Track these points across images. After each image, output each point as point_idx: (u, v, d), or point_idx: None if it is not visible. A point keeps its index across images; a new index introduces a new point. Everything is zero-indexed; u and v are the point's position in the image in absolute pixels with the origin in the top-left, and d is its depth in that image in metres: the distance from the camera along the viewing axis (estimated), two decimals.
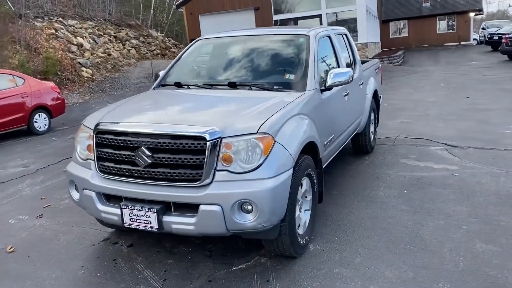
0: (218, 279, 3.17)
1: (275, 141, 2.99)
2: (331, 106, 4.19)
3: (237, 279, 3.14)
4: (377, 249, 3.49)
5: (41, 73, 15.48)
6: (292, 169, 3.06)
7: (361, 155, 6.17)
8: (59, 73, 16.89)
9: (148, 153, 2.99)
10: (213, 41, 4.78)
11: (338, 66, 4.69)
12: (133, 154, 3.04)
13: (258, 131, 2.93)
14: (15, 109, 9.14)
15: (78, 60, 19.61)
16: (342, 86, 4.56)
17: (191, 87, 4.11)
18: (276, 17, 22.30)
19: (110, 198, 3.24)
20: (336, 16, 21.72)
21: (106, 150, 3.17)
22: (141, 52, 27.15)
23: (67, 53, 19.25)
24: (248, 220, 2.87)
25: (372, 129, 6.34)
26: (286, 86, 3.85)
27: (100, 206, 3.20)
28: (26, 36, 17.31)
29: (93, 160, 3.26)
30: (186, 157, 2.92)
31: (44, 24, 21.44)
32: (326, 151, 4.11)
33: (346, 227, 3.92)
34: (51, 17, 23.11)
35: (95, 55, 21.76)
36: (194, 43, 4.82)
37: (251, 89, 3.83)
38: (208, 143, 2.86)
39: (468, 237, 3.62)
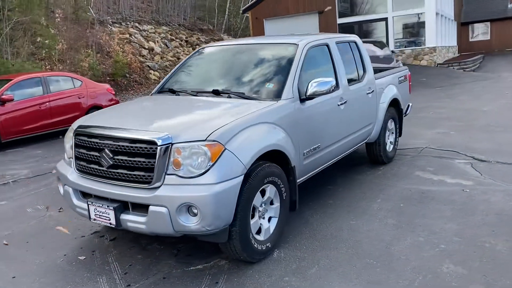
0: (172, 277, 3.35)
1: (225, 149, 3.10)
2: (316, 115, 4.20)
3: (189, 279, 3.30)
4: (339, 261, 3.47)
5: (110, 75, 16.72)
6: (242, 176, 3.15)
7: (376, 165, 6.02)
8: (128, 75, 18.11)
9: (110, 155, 3.26)
10: (209, 50, 4.98)
11: (335, 75, 4.66)
12: (99, 155, 3.32)
13: (207, 139, 3.07)
14: (72, 108, 10.02)
15: (147, 63, 20.85)
16: (337, 95, 4.56)
17: (180, 93, 4.34)
18: (341, 21, 22.02)
19: (86, 195, 3.55)
20: (403, 19, 20.96)
21: (81, 150, 3.50)
22: None
23: (137, 56, 20.55)
24: (192, 223, 3.03)
25: (391, 139, 6.17)
26: (263, 94, 3.94)
27: (75, 201, 3.53)
28: (100, 41, 18.76)
29: (72, 159, 3.60)
30: (140, 160, 3.14)
31: (120, 29, 23.04)
32: (308, 160, 4.13)
33: (321, 237, 3.91)
34: (128, 23, 24.76)
35: (164, 58, 22.96)
36: (195, 51, 5.05)
37: (230, 97, 3.97)
38: (158, 148, 3.06)
39: (440, 256, 3.46)
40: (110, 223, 3.25)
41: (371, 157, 6.00)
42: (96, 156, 3.36)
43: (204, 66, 4.77)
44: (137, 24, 25.12)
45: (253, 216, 3.42)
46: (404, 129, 8.07)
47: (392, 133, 6.24)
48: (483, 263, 3.33)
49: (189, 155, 3.05)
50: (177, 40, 26.50)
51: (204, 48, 5.06)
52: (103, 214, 3.27)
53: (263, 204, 3.53)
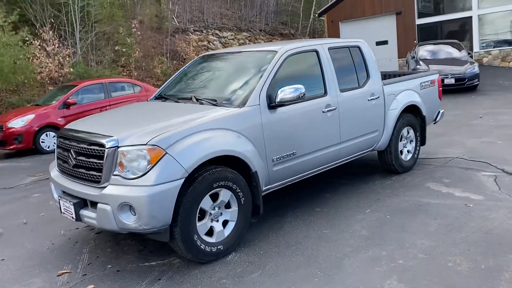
0: (125, 270, 3.61)
1: (165, 153, 3.30)
2: (291, 122, 4.20)
3: (138, 274, 3.54)
4: (284, 269, 3.47)
5: None
6: (182, 180, 3.31)
7: (389, 174, 5.77)
8: None
9: (74, 155, 3.62)
10: (203, 58, 5.18)
11: (323, 82, 4.61)
12: (67, 155, 3.70)
13: (147, 143, 3.28)
14: None
15: None
16: (323, 102, 4.52)
17: (167, 100, 4.61)
18: (420, 21, 20.95)
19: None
20: (490, 17, 19.34)
21: (59, 150, 3.92)
22: None
23: None
24: (131, 221, 3.26)
25: (409, 147, 5.88)
26: (232, 101, 4.05)
27: (55, 196, 3.95)
28: (177, 48, 19.92)
29: (55, 158, 4.04)
30: (93, 161, 3.45)
31: (200, 36, 24.21)
32: (280, 167, 4.15)
33: (284, 244, 3.92)
34: (209, 30, 25.92)
35: None
36: (195, 59, 5.30)
37: (202, 103, 4.15)
38: (106, 150, 3.35)
39: (389, 272, 3.31)
40: (72, 217, 3.60)
41: (383, 165, 5.77)
42: (66, 156, 3.74)
43: (194, 73, 4.99)
44: (217, 31, 26.19)
45: (202, 218, 3.56)
46: (447, 137, 7.64)
47: (412, 141, 5.93)
48: (431, 283, 3.13)
49: (131, 158, 3.29)
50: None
51: (202, 56, 5.28)
52: (67, 209, 3.64)
53: (215, 208, 3.65)
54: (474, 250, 3.57)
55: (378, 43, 22.10)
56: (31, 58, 14.66)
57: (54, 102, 9.96)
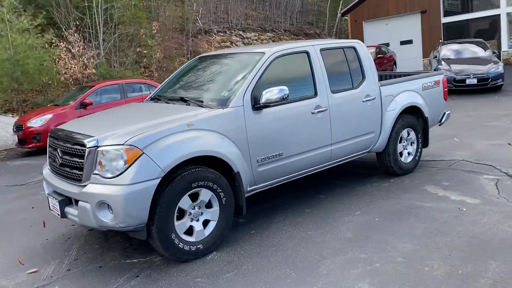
0: (108, 266, 3.72)
1: (142, 153, 3.38)
2: (277, 123, 4.22)
3: (118, 270, 3.64)
4: (260, 269, 3.49)
5: None
6: (159, 179, 3.39)
7: (389, 176, 5.69)
8: None
9: (60, 154, 3.75)
10: (198, 59, 5.25)
11: (313, 83, 4.60)
12: (55, 154, 3.84)
13: (125, 143, 3.37)
14: None
15: None
16: (312, 103, 4.52)
17: (159, 101, 4.71)
18: (446, 20, 20.46)
19: None
20: None
21: (49, 149, 4.07)
22: None
23: None
24: (109, 219, 3.36)
25: (410, 149, 5.78)
26: (216, 102, 4.10)
27: (46, 193, 4.11)
28: (199, 50, 20.15)
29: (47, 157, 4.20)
30: (76, 160, 3.58)
31: (223, 37, 24.40)
32: (265, 167, 4.17)
33: (266, 244, 3.94)
34: (233, 31, 26.08)
35: None
36: (191, 61, 5.38)
37: (189, 104, 4.22)
38: (86, 150, 3.46)
39: (363, 275, 3.29)
40: (58, 214, 3.73)
41: (381, 167, 5.70)
42: (54, 155, 3.88)
43: (189, 75, 5.06)
44: (241, 32, 26.33)
45: (182, 217, 3.63)
46: (458, 139, 7.44)
47: (413, 143, 5.83)
48: (403, 287, 3.08)
49: (110, 157, 3.39)
50: None
51: (198, 57, 5.36)
52: (54, 206, 3.78)
53: (195, 207, 3.70)
54: (456, 255, 3.50)
55: (402, 43, 21.72)
56: (57, 59, 15.16)
57: (71, 102, 10.27)
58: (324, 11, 37.55)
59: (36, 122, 9.67)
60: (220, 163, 3.83)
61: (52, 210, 3.88)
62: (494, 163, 5.89)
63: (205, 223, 3.81)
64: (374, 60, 16.61)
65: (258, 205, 4.97)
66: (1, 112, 13.80)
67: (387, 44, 21.66)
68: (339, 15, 37.51)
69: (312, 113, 4.52)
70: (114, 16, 16.45)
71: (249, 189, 4.16)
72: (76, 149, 3.58)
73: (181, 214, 3.64)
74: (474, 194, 4.85)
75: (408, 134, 5.74)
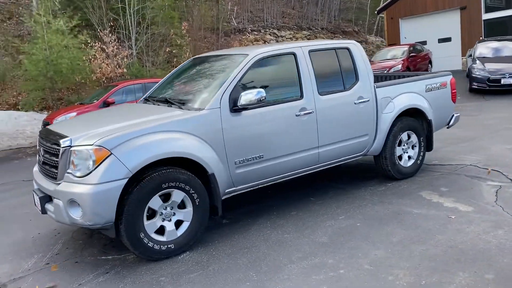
0: (83, 262, 3.87)
1: (111, 154, 3.48)
2: (257, 125, 4.22)
3: (92, 266, 3.77)
4: (225, 271, 3.52)
5: None
6: (126, 179, 3.48)
7: (387, 180, 5.54)
8: None
9: (42, 153, 3.93)
10: (190, 60, 5.31)
11: (300, 85, 4.56)
12: (40, 153, 4.03)
13: (94, 144, 3.49)
14: None
15: None
16: (297, 105, 4.49)
17: (148, 102, 4.82)
18: (487, 16, 19.54)
19: None
20: None
21: (38, 148, 4.26)
22: None
23: None
24: (78, 217, 3.49)
25: (410, 153, 5.61)
26: (195, 104, 4.15)
27: (32, 190, 4.30)
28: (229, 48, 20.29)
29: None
30: (53, 159, 3.74)
31: (257, 36, 24.46)
32: (244, 169, 4.19)
33: (240, 246, 3.95)
34: (267, 30, 26.08)
35: None
36: (185, 62, 5.45)
37: (171, 106, 4.30)
38: (61, 149, 3.61)
39: (323, 282, 3.24)
40: (39, 210, 3.91)
41: (380, 171, 5.56)
42: (39, 153, 4.07)
43: (181, 75, 5.13)
44: (275, 31, 26.29)
45: (153, 217, 3.71)
46: (475, 142, 7.17)
47: (415, 146, 5.64)
48: None
49: (80, 157, 3.52)
50: None
51: (192, 58, 5.43)
52: (37, 202, 3.96)
53: (167, 208, 3.77)
54: (426, 264, 3.38)
55: (440, 40, 20.97)
56: (92, 59, 15.75)
57: (95, 101, 10.65)
58: (365, 8, 36.85)
59: (61, 120, 10.10)
60: (195, 164, 3.87)
61: (35, 205, 4.06)
62: (503, 169, 5.61)
63: (179, 223, 3.87)
64: (406, 59, 16.24)
65: (246, 207, 4.99)
66: (38, 110, 14.50)
67: (424, 42, 20.97)
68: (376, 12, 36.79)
69: (297, 115, 4.48)
70: (146, 16, 16.86)
71: (227, 190, 4.18)
72: (53, 148, 3.73)
73: (153, 213, 3.72)
74: (470, 201, 4.65)
75: (409, 137, 5.56)
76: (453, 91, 6.01)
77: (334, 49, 4.98)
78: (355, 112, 4.95)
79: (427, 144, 5.79)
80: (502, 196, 4.72)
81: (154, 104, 4.63)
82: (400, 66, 16.01)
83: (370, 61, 18.38)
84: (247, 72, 4.27)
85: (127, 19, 16.69)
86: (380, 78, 6.67)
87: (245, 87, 4.23)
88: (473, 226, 4.00)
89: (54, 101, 14.81)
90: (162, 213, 3.76)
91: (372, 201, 4.88)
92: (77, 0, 17.14)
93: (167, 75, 5.39)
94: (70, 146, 3.58)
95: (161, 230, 3.78)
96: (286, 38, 26.06)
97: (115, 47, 16.59)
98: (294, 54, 4.62)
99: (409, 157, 5.61)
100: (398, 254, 3.59)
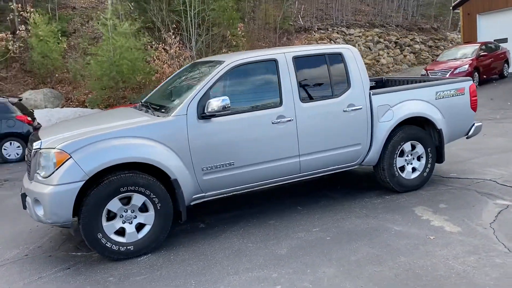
0: (54, 256, 4.15)
1: (70, 157, 3.70)
2: (227, 132, 4.22)
3: (59, 261, 4.03)
4: (170, 276, 3.58)
5: None
6: (82, 182, 3.68)
7: (387, 192, 5.24)
8: None
9: (29, 156, 4.27)
10: (191, 65, 5.39)
11: (280, 92, 4.48)
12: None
13: (56, 147, 3.73)
14: None
15: None
16: (274, 112, 4.43)
17: (139, 106, 5.01)
18: None
19: None
20: None
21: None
22: (421, 57, 26.30)
23: None
24: (41, 214, 3.76)
25: (415, 164, 5.24)
26: (166, 110, 4.25)
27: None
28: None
29: None
30: (29, 160, 4.05)
31: (323, 35, 24.07)
32: (212, 176, 4.21)
33: (201, 253, 3.98)
34: (335, 28, 25.55)
35: None
36: (184, 67, 5.57)
37: (147, 111, 4.45)
38: (33, 151, 3.91)
39: None
40: (23, 207, 4.25)
41: (379, 183, 5.27)
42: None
43: (174, 80, 5.23)
44: (344, 29, 25.65)
45: (112, 219, 3.88)
46: (508, 154, 6.50)
47: (421, 157, 5.26)
48: None
49: (45, 159, 3.78)
50: (384, 42, 25.79)
51: (192, 63, 5.54)
52: (24, 200, 4.30)
53: (128, 210, 3.92)
54: (370, 287, 3.17)
55: None
56: (154, 59, 16.59)
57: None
58: (447, 3, 34.61)
59: None
60: (158, 169, 3.98)
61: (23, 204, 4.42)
62: None
63: (142, 226, 4.00)
64: (475, 59, 15.03)
65: (230, 212, 5.01)
66: (103, 107, 15.58)
67: (504, 40, 19.24)
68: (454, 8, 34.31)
69: (274, 123, 4.41)
70: (206, 18, 17.36)
71: (194, 196, 4.24)
72: (30, 149, 4.05)
73: (114, 215, 3.88)
74: (462, 221, 4.26)
75: (414, 147, 5.20)
76: (473, 98, 5.51)
77: (325, 54, 4.80)
78: (344, 120, 4.75)
79: (438, 156, 5.37)
80: (503, 217, 4.26)
81: (140, 109, 4.80)
82: (467, 66, 14.88)
83: (435, 61, 17.30)
84: (219, 80, 4.29)
85: (188, 21, 17.30)
86: (397, 83, 6.32)
87: (220, 94, 4.24)
88: (447, 250, 3.67)
89: (118, 99, 15.82)
90: (122, 215, 3.91)
91: (358, 214, 4.65)
92: (143, 3, 18.11)
93: (167, 79, 5.55)
94: (40, 148, 3.86)
95: (123, 232, 3.93)
96: (355, 37, 25.32)
97: (178, 48, 17.31)
98: (275, 61, 4.54)
99: (414, 169, 5.25)
100: (347, 273, 3.41)
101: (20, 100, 10.84)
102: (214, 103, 4.03)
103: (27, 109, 10.82)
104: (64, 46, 17.18)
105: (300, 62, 4.65)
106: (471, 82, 5.54)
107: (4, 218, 5.53)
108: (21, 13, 17.47)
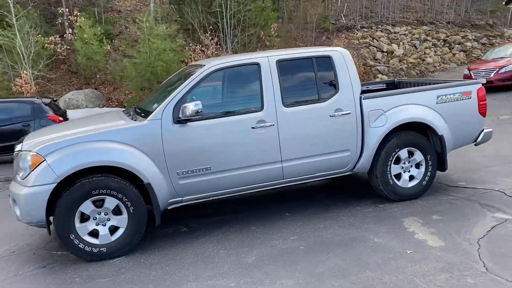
0: (36, 254, 4.30)
1: (44, 160, 3.83)
2: (204, 137, 4.20)
3: (39, 259, 4.17)
4: (128, 281, 3.60)
5: None
6: (54, 184, 3.79)
7: (383, 201, 5.00)
8: None
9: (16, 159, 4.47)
10: (184, 69, 5.40)
11: (261, 97, 4.40)
12: None
13: (31, 150, 3.88)
14: None
15: (378, 67, 20.62)
16: (254, 117, 4.37)
17: (130, 110, 5.10)
18: None
19: None
20: None
21: None
22: (472, 55, 24.93)
23: (367, 60, 20.62)
24: (18, 214, 3.93)
25: (413, 172, 4.98)
26: (146, 114, 4.30)
27: None
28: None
29: None
30: (14, 162, 4.24)
31: (366, 33, 23.44)
32: (188, 181, 4.21)
33: (170, 258, 3.99)
34: (379, 26, 24.80)
35: (403, 61, 22.05)
36: (182, 69, 5.59)
37: (129, 115, 4.53)
38: (15, 153, 4.09)
39: None
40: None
41: (374, 190, 5.05)
42: None
43: (167, 83, 5.25)
44: (389, 27, 24.84)
45: (86, 221, 3.98)
46: None
47: (420, 165, 4.98)
48: None
49: (22, 161, 3.94)
50: (432, 40, 24.72)
51: (188, 66, 5.55)
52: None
53: (101, 213, 4.01)
54: None
55: None
56: (191, 61, 16.88)
57: None
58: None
59: None
60: (133, 173, 4.03)
61: None
62: None
63: (117, 228, 4.07)
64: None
65: (217, 216, 4.99)
66: None
67: None
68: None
69: (253, 127, 4.33)
70: (241, 19, 17.44)
71: (171, 200, 4.26)
72: (14, 152, 4.23)
73: (88, 217, 3.98)
74: (450, 234, 4.00)
75: (411, 154, 4.93)
76: (481, 102, 5.14)
77: (312, 57, 4.66)
78: (331, 125, 4.58)
79: (440, 163, 5.06)
80: (495, 232, 3.95)
81: (126, 113, 4.87)
82: None
83: (480, 59, 16.32)
84: (198, 84, 4.27)
85: (224, 22, 17.45)
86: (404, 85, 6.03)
87: (199, 98, 4.23)
88: (419, 266, 3.45)
89: None
90: (96, 217, 3.99)
91: (343, 223, 4.48)
92: (183, 6, 18.47)
93: (162, 83, 5.61)
94: (20, 151, 4.03)
95: (97, 234, 4.02)
96: (400, 35, 24.46)
97: (214, 49, 17.52)
98: (258, 65, 4.46)
99: (412, 177, 4.98)
100: (304, 286, 3.29)
101: (55, 101, 11.37)
102: (189, 107, 4.02)
103: (60, 109, 11.33)
104: (107, 48, 17.86)
105: (284, 65, 4.54)
106: (479, 85, 5.17)
107: (6, 215, 5.80)
108: (68, 17, 18.38)
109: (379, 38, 23.37)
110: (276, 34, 16.98)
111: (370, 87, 6.42)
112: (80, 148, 3.91)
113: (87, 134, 4.01)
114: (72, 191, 3.85)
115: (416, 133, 4.92)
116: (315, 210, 4.93)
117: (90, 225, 4.00)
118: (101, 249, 4.00)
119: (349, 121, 4.64)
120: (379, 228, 4.27)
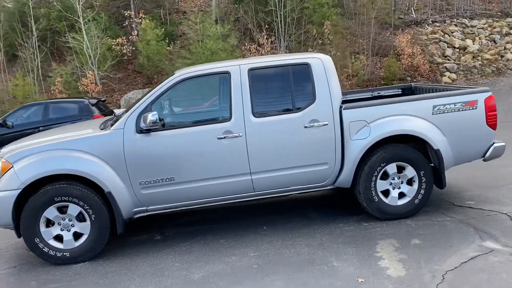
0: (18, 253, 4.57)
1: (12, 166, 4.06)
2: (166, 147, 4.17)
3: (16, 258, 4.44)
4: (83, 285, 3.71)
5: (382, 79, 16.87)
6: (19, 190, 3.99)
7: (370, 219, 4.63)
8: (410, 78, 17.55)
9: None
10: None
11: (230, 107, 4.27)
12: None
13: (2, 157, 4.12)
14: None
15: (446, 64, 19.17)
16: (220, 128, 4.27)
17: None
18: None
19: None
20: None
21: None
22: None
23: (434, 57, 19.26)
24: None
25: (404, 189, 4.54)
26: (112, 123, 4.36)
27: None
28: (393, 44, 18.85)
29: None
30: None
31: (438, 28, 21.91)
32: (151, 191, 4.22)
33: (134, 267, 4.00)
34: (454, 19, 23.06)
35: (478, 57, 20.28)
36: None
37: (101, 124, 4.64)
38: None
39: None
40: None
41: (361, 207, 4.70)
42: None
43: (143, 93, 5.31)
44: (465, 20, 22.99)
45: (51, 225, 4.15)
46: None
47: (413, 181, 4.54)
48: None
49: None
50: None
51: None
52: None
53: (66, 219, 4.15)
54: None
55: None
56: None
57: None
58: None
59: None
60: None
61: None
62: None
63: (81, 235, 4.19)
64: None
65: (195, 226, 4.94)
66: None
67: None
68: None
69: (219, 138, 4.22)
70: (295, 17, 17.20)
71: (135, 210, 4.29)
72: None
73: (54, 222, 4.15)
74: (418, 263, 3.61)
75: (402, 169, 4.51)
76: (490, 113, 4.55)
77: (288, 65, 4.42)
78: (305, 137, 4.33)
79: (436, 180, 4.58)
80: (469, 265, 3.50)
81: (103, 121, 4.93)
82: None
83: None
84: (164, 94, 4.25)
85: (279, 21, 17.31)
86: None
87: (167, 109, 4.23)
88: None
89: None
90: (60, 223, 4.14)
91: (313, 242, 4.22)
92: (240, 5, 18.64)
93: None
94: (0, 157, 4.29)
95: (62, 238, 4.17)
96: (477, 29, 22.51)
97: (270, 47, 17.47)
98: (228, 73, 4.33)
99: (402, 194, 4.55)
100: None
101: (103, 101, 12.05)
102: (147, 118, 4.02)
103: (108, 108, 11.96)
104: (168, 48, 18.51)
105: (257, 74, 4.36)
106: (489, 93, 4.57)
107: None
108: (134, 19, 19.36)
109: (452, 33, 21.72)
110: (328, 32, 16.44)
111: (382, 93, 5.98)
112: (45, 156, 4.08)
113: (55, 142, 4.17)
114: (36, 197, 4.02)
115: (406, 147, 4.48)
116: (295, 224, 4.70)
117: (55, 230, 4.15)
118: (64, 253, 4.14)
119: (326, 133, 4.34)
120: (346, 250, 3.96)
